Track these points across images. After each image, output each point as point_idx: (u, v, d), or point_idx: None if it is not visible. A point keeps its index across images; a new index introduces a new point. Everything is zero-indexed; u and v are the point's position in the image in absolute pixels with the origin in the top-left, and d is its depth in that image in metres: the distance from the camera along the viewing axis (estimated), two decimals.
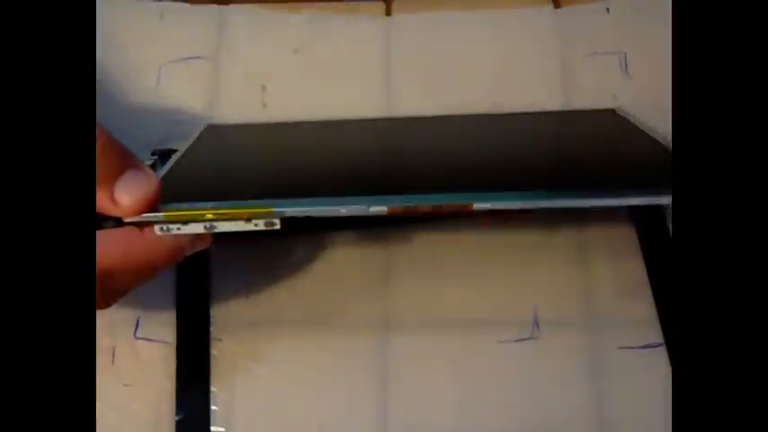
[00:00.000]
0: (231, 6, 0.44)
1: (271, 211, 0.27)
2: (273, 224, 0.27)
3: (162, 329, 0.35)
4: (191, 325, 0.35)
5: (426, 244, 0.36)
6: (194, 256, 0.37)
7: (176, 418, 0.33)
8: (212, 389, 0.34)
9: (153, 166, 0.32)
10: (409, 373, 0.34)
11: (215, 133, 0.38)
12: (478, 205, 0.27)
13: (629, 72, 0.41)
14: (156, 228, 0.27)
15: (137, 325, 0.35)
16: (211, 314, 0.35)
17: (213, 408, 0.34)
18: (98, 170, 0.25)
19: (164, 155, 0.34)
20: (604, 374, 0.33)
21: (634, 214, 0.36)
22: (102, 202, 0.26)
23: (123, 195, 0.26)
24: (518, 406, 0.33)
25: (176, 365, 0.34)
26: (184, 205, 0.27)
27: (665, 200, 0.27)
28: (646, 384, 0.33)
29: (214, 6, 0.43)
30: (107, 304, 0.29)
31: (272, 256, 0.37)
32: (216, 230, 0.27)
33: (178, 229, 0.27)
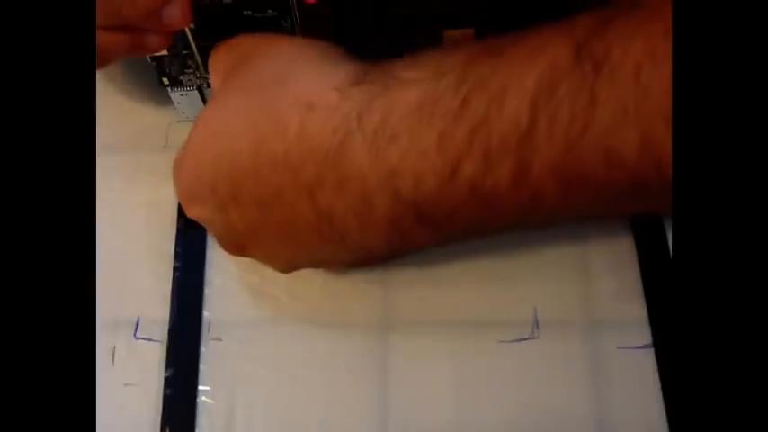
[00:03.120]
0: None
1: None
2: None
3: (163, 330, 0.35)
4: (184, 324, 0.35)
5: None
6: (192, 255, 0.37)
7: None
8: (212, 389, 0.34)
9: None
10: (409, 373, 0.34)
11: None
12: None
13: None
14: None
15: (137, 325, 0.35)
16: (211, 314, 0.35)
17: (209, 401, 0.34)
18: None
19: None
20: (604, 374, 0.33)
21: (634, 221, 0.36)
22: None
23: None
24: (518, 406, 0.33)
25: (165, 364, 0.34)
26: None
27: None
28: (645, 384, 0.33)
29: None
30: None
31: None
32: None
33: None
